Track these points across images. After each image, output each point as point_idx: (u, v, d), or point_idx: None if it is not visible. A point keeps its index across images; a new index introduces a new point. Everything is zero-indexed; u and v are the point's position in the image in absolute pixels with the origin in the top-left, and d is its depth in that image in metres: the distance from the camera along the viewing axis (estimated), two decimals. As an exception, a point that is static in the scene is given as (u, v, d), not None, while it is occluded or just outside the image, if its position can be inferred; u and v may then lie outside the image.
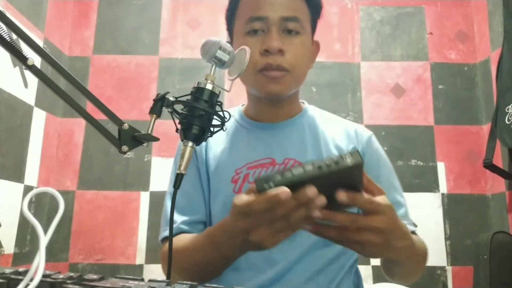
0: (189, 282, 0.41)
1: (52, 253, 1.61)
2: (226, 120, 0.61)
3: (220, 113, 0.60)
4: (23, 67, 0.50)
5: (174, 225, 0.80)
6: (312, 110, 0.91)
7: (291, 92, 0.83)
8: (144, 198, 1.67)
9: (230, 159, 0.83)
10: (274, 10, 0.77)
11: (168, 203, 0.85)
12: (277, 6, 0.78)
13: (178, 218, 0.80)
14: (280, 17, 0.77)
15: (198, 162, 0.86)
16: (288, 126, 0.85)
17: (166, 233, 0.82)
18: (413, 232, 0.84)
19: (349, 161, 0.46)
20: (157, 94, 0.59)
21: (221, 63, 0.61)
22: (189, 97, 0.59)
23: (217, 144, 0.86)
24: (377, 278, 1.57)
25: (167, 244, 0.82)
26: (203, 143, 0.86)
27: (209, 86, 0.59)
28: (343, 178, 0.49)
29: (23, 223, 1.42)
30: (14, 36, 0.52)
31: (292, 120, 0.86)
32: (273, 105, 0.85)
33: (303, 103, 0.92)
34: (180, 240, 0.75)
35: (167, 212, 0.85)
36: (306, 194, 0.48)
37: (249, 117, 0.89)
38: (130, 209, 1.66)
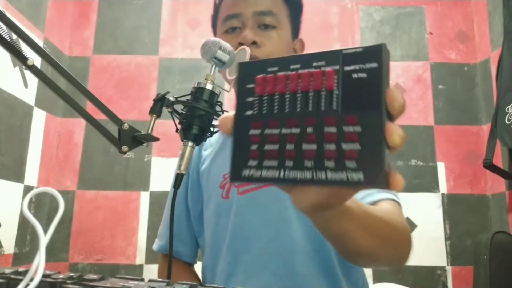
0: (189, 282, 0.41)
1: (52, 253, 1.61)
2: (226, 120, 0.61)
3: (220, 113, 0.60)
4: (23, 67, 0.50)
5: (162, 243, 0.88)
6: None
7: None
8: (144, 198, 1.67)
9: (219, 165, 0.84)
10: (247, 6, 0.80)
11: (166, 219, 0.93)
12: (251, 1, 0.80)
13: (164, 241, 0.88)
14: (253, 11, 0.79)
15: (189, 171, 0.89)
16: None
17: (156, 247, 0.90)
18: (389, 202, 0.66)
19: None
20: (157, 94, 0.59)
21: (221, 63, 0.61)
22: (189, 97, 0.59)
23: (209, 152, 0.88)
24: (377, 278, 1.57)
25: (163, 259, 0.90)
26: (199, 150, 0.88)
27: (209, 86, 0.59)
28: None
29: (23, 223, 1.42)
30: (14, 36, 0.52)
31: None
32: None
33: None
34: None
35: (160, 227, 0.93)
36: None
37: None
38: (130, 209, 1.66)
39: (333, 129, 0.30)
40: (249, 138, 0.34)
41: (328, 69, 0.31)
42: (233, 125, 0.35)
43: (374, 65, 0.30)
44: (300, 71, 0.33)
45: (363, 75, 0.30)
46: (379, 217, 0.53)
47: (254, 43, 0.77)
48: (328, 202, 0.35)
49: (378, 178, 0.28)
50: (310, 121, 0.31)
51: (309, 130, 0.31)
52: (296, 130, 0.32)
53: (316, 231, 0.73)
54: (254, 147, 0.33)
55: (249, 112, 0.34)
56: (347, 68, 0.31)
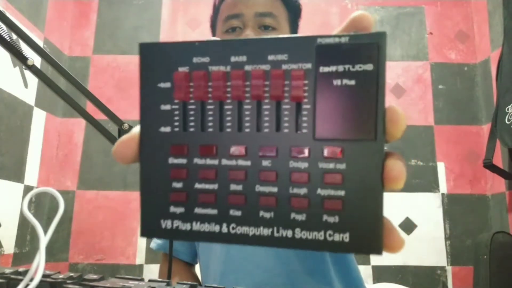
0: (189, 282, 0.41)
1: (52, 253, 1.61)
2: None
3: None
4: (23, 67, 0.50)
5: (160, 241, 0.87)
6: None
7: None
8: (144, 198, 1.67)
9: None
10: (248, 7, 0.80)
11: None
12: (251, 3, 0.81)
13: (163, 240, 0.87)
14: (255, 12, 0.79)
15: None
16: None
17: (154, 245, 0.89)
18: None
19: None
20: (157, 94, 0.59)
21: (221, 63, 0.61)
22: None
23: None
24: (377, 278, 1.57)
25: (164, 258, 0.89)
26: None
27: (209, 86, 0.58)
28: None
29: (23, 223, 1.42)
30: (14, 36, 0.52)
31: None
32: None
33: None
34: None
35: None
36: None
37: None
38: (130, 209, 1.66)
39: (303, 164, 0.20)
40: (168, 171, 0.22)
41: (293, 67, 0.20)
42: (139, 148, 0.23)
43: (369, 67, 0.19)
44: (247, 67, 0.21)
45: (350, 82, 0.20)
46: None
47: None
48: None
49: (372, 242, 0.20)
50: (267, 149, 0.21)
51: (265, 163, 0.21)
52: (244, 162, 0.21)
53: None
54: (177, 184, 0.22)
55: (165, 129, 0.22)
56: (324, 69, 0.20)
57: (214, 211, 0.21)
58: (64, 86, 0.54)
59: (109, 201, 1.67)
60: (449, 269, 1.59)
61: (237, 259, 0.75)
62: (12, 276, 0.38)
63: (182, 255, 0.88)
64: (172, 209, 0.22)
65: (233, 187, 0.21)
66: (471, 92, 1.74)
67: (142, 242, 1.63)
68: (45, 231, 0.35)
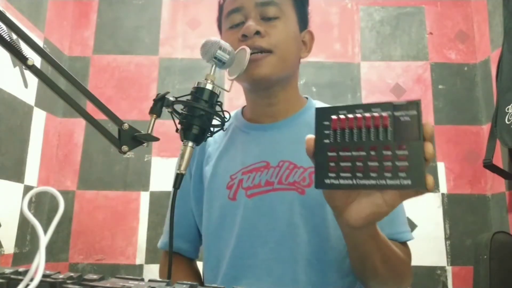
0: (189, 282, 0.41)
1: (52, 253, 1.61)
2: (226, 120, 0.61)
3: (220, 113, 0.60)
4: (23, 67, 0.50)
5: (166, 240, 0.88)
6: (315, 106, 0.86)
7: (280, 77, 0.78)
8: (144, 198, 1.67)
9: (226, 165, 0.82)
10: None
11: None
12: None
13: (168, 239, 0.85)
14: (255, 3, 0.76)
15: (192, 170, 0.88)
16: (285, 126, 0.82)
17: (160, 244, 0.90)
18: (403, 243, 0.76)
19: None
20: (157, 94, 0.59)
21: (221, 63, 0.61)
22: (189, 97, 0.59)
23: (215, 149, 0.86)
24: (377, 278, 1.57)
25: (166, 256, 0.90)
26: (202, 148, 0.87)
27: (209, 86, 0.59)
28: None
29: (23, 223, 1.42)
30: (14, 36, 0.52)
31: (290, 119, 0.83)
32: (268, 102, 0.82)
33: (306, 98, 0.89)
34: (177, 267, 0.81)
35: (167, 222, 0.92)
36: None
37: (247, 119, 0.86)
38: (130, 209, 1.66)
39: (389, 152, 0.45)
40: (328, 158, 0.48)
41: (384, 114, 0.46)
42: (314, 149, 0.49)
43: (414, 112, 0.45)
44: (364, 114, 0.47)
45: (407, 118, 0.45)
46: (395, 250, 0.66)
47: (257, 33, 0.74)
48: (380, 211, 0.48)
49: (421, 183, 0.45)
50: (373, 147, 0.46)
51: (372, 153, 0.46)
52: (363, 153, 0.46)
53: (320, 240, 0.73)
54: (332, 164, 0.47)
55: (326, 141, 0.48)
56: (396, 114, 0.45)
57: (349, 175, 0.46)
58: (64, 86, 0.54)
59: (109, 201, 1.67)
60: (449, 269, 1.59)
61: (250, 266, 0.75)
62: (12, 276, 0.39)
63: (186, 253, 0.88)
64: (330, 175, 0.47)
65: (358, 164, 0.46)
66: (471, 92, 1.74)
67: (142, 242, 1.63)
68: (45, 231, 0.35)
